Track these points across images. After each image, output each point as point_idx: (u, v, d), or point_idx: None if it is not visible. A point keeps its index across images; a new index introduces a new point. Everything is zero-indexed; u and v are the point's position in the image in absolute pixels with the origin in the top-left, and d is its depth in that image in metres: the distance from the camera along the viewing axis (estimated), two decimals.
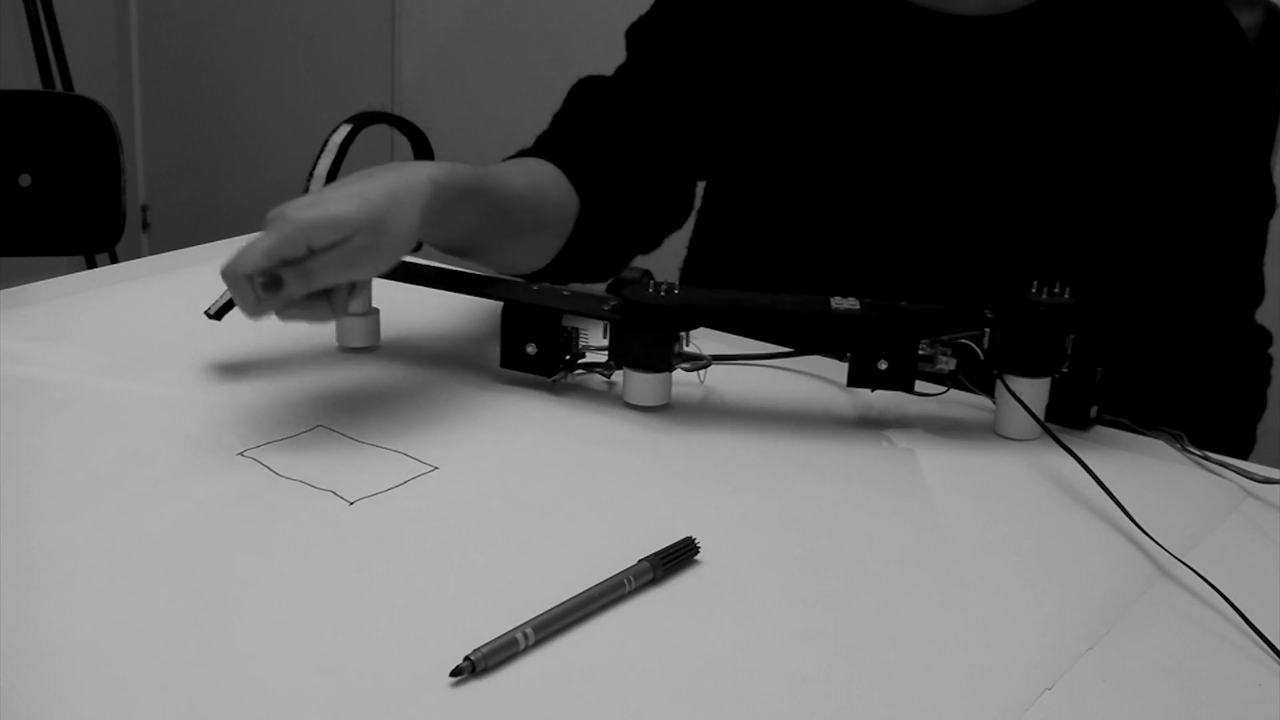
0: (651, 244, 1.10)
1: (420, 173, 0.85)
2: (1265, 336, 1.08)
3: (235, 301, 0.80)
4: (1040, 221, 1.04)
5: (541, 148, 1.06)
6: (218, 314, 0.89)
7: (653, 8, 1.13)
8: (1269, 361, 1.08)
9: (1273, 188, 1.08)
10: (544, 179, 1.00)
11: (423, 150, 0.96)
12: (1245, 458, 1.04)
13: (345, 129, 0.91)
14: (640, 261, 1.09)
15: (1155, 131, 1.03)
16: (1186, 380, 1.05)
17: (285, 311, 0.81)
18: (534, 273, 1.00)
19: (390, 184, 0.82)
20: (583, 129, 1.06)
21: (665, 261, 1.14)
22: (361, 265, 0.81)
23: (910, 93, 1.05)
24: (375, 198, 0.81)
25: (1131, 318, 1.01)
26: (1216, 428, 1.03)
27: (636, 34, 1.12)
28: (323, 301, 0.82)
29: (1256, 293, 1.08)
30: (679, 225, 1.12)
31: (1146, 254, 1.05)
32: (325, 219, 0.79)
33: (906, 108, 1.05)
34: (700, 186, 1.18)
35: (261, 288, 0.77)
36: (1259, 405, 1.07)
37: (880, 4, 1.06)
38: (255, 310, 0.80)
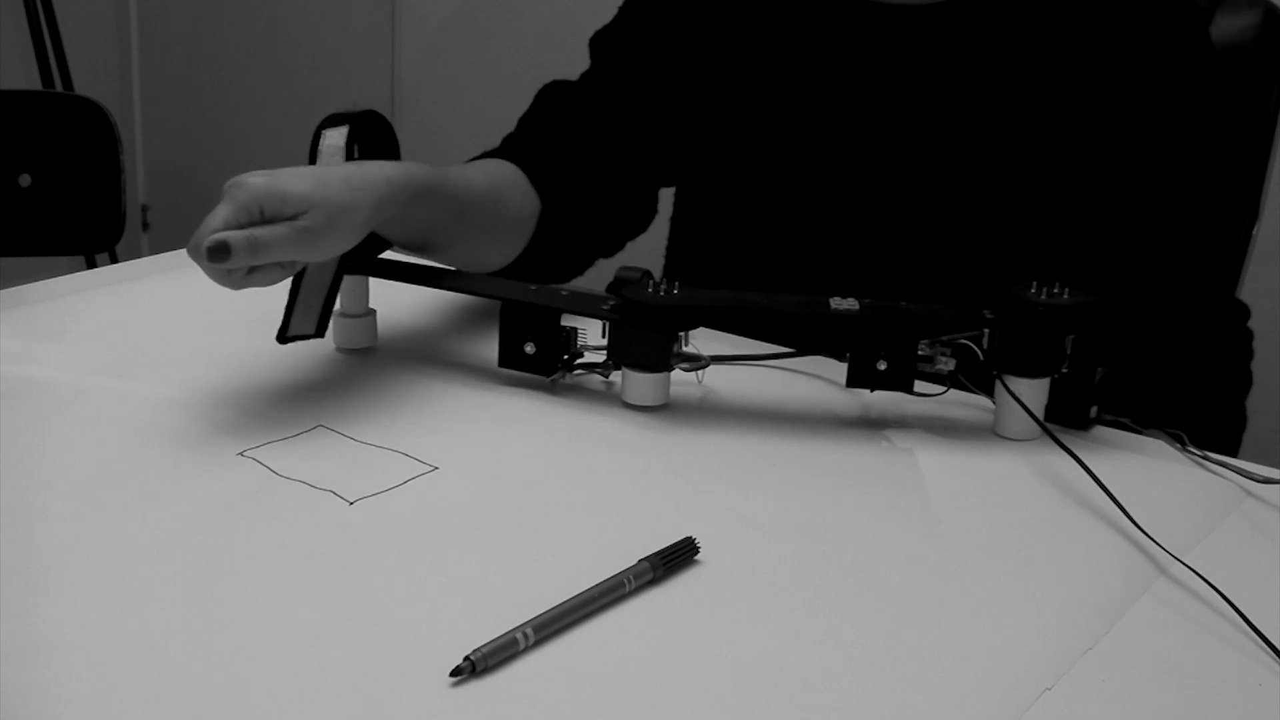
0: (613, 248, 1.12)
1: (378, 170, 0.87)
2: (1244, 311, 1.09)
3: (204, 272, 0.80)
4: (1016, 209, 1.04)
5: (505, 149, 1.08)
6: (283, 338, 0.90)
7: (616, 18, 1.15)
8: (1250, 335, 1.09)
9: (1242, 160, 1.09)
10: (504, 179, 1.02)
11: (387, 143, 0.95)
12: (1239, 435, 1.05)
13: (337, 133, 0.90)
14: (605, 268, 1.10)
15: (1116, 111, 1.03)
16: (1173, 361, 1.05)
17: (240, 281, 0.81)
18: (496, 272, 1.02)
19: (347, 174, 0.85)
20: (546, 132, 1.08)
21: (644, 266, 1.14)
22: (308, 245, 0.81)
23: (876, 88, 1.06)
24: (331, 182, 0.83)
25: (1118, 305, 1.02)
26: (1208, 407, 1.03)
27: (600, 42, 1.14)
28: (274, 266, 0.82)
29: (1232, 268, 1.09)
30: (642, 230, 1.14)
31: (1121, 236, 1.05)
32: (279, 190, 0.80)
33: (871, 104, 1.06)
34: (672, 191, 1.20)
35: (206, 254, 0.77)
36: (1245, 381, 1.07)
37: (839, 2, 1.06)
38: (224, 281, 0.80)
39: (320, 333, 0.91)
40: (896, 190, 1.06)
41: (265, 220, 0.80)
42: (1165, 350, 1.05)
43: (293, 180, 0.81)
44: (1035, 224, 1.05)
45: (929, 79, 1.05)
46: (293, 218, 0.80)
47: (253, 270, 0.81)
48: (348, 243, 0.84)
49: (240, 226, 0.79)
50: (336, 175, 0.84)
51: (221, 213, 0.79)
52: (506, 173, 1.03)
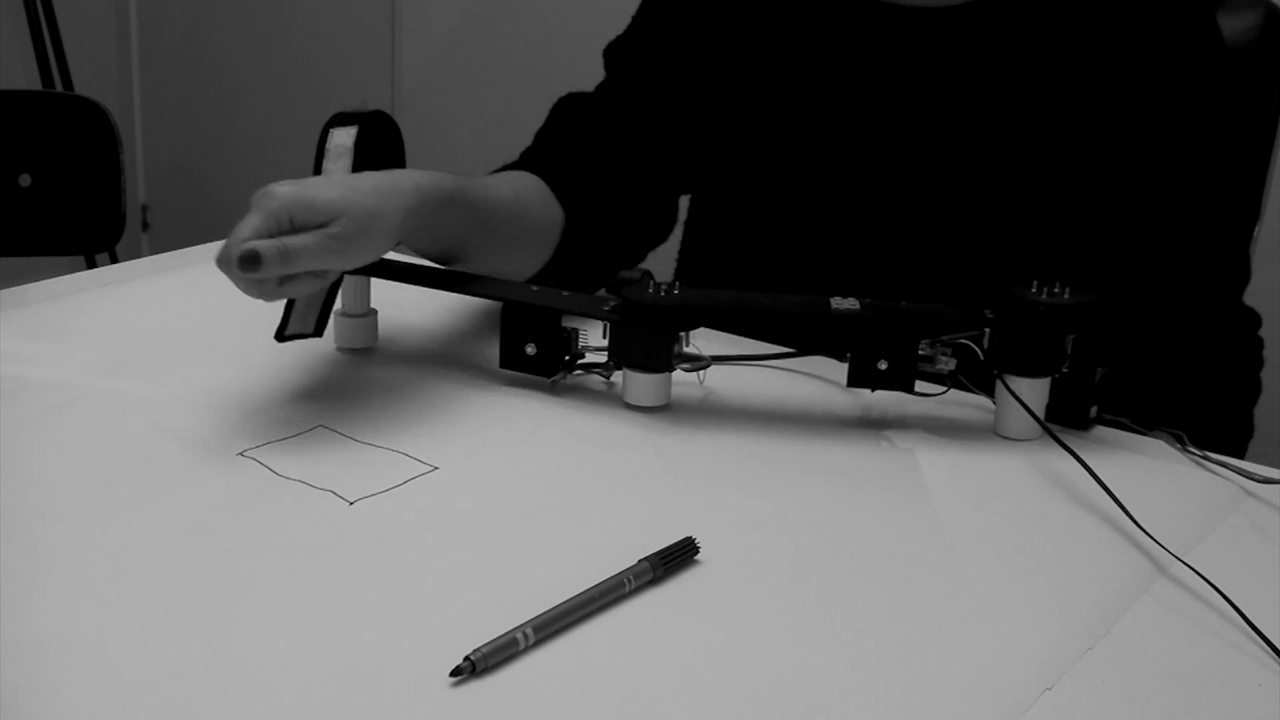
0: (636, 258, 1.12)
1: (407, 177, 0.86)
2: (1254, 319, 1.09)
3: (234, 283, 0.79)
4: (1026, 213, 1.04)
5: (526, 162, 1.08)
6: (280, 336, 0.89)
7: (630, 27, 1.15)
8: (1260, 344, 1.08)
9: (1255, 165, 1.09)
10: (528, 191, 1.02)
11: (394, 145, 0.95)
12: (1245, 443, 1.05)
13: (345, 132, 0.90)
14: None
15: (1129, 116, 1.03)
16: (1181, 367, 1.05)
17: (273, 291, 0.80)
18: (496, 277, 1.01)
19: (377, 183, 0.84)
20: (566, 145, 1.08)
21: (656, 271, 1.14)
22: (339, 254, 0.81)
23: (888, 92, 1.06)
24: (363, 190, 0.82)
25: (1124, 308, 1.02)
26: (1214, 414, 1.03)
27: (615, 53, 1.14)
28: (306, 275, 0.81)
29: (1243, 275, 1.09)
30: (663, 239, 1.14)
31: (1132, 241, 1.05)
32: (310, 199, 0.80)
33: (885, 107, 1.06)
34: (685, 198, 1.19)
35: (238, 263, 0.77)
36: (1254, 389, 1.07)
37: (851, 6, 1.06)
38: (256, 291, 0.80)
39: (319, 332, 0.91)
40: (904, 191, 1.06)
41: (295, 229, 0.79)
42: (1171, 353, 1.05)
43: (322, 188, 0.81)
44: (1041, 225, 1.05)
45: (938, 82, 1.05)
46: (322, 225, 0.80)
47: (284, 280, 0.80)
48: (379, 250, 0.84)
49: (270, 235, 0.78)
50: (366, 183, 0.83)
51: (251, 222, 0.78)
52: (530, 184, 1.03)
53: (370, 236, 0.82)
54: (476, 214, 0.93)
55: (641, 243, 1.12)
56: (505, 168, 1.07)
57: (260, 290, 0.79)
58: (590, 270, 1.07)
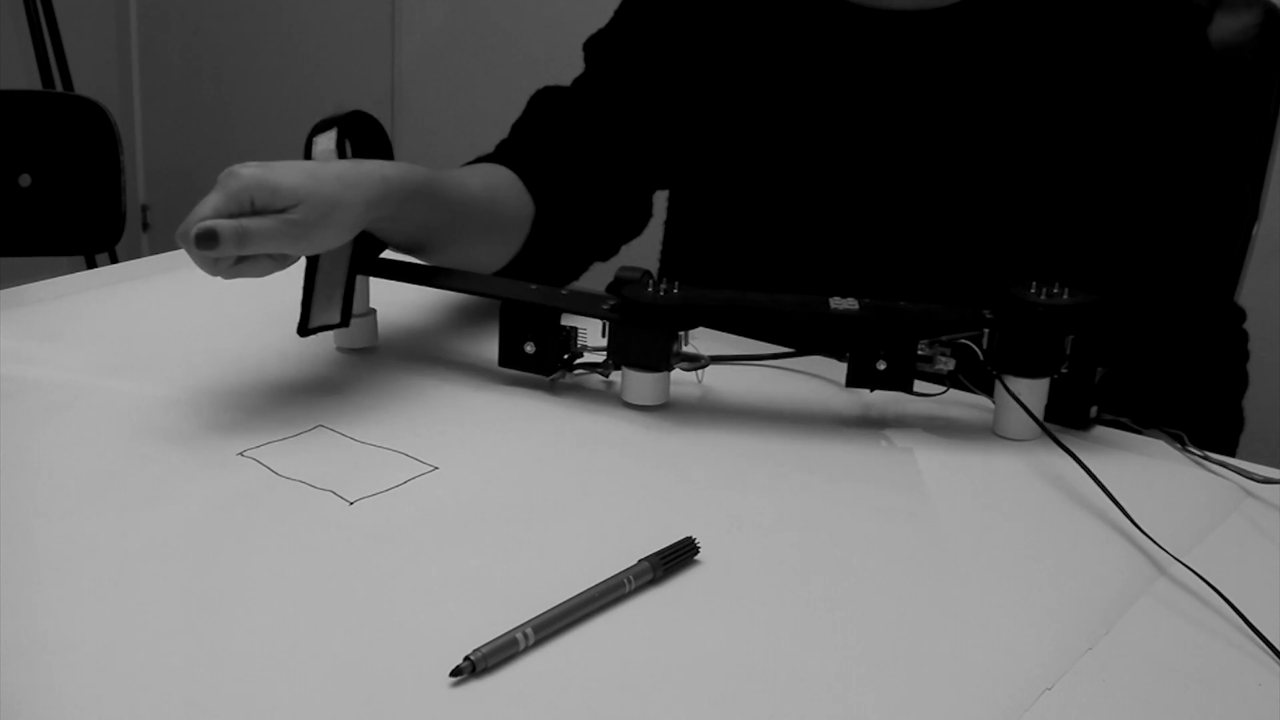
0: (608, 252, 1.13)
1: (374, 168, 0.87)
2: (1239, 313, 1.09)
3: (190, 258, 0.80)
4: (1015, 212, 1.04)
5: (500, 154, 1.09)
6: (303, 330, 0.88)
7: (611, 22, 1.15)
8: (1245, 337, 1.09)
9: (1242, 161, 1.09)
10: (498, 183, 1.03)
11: (377, 142, 0.95)
12: (1236, 436, 1.05)
13: (327, 137, 0.90)
14: (604, 268, 1.10)
15: (1115, 115, 1.03)
16: (1172, 363, 1.05)
17: (229, 270, 0.81)
18: (491, 275, 1.02)
19: (342, 172, 0.85)
20: (539, 137, 1.09)
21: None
22: (296, 240, 0.81)
23: (872, 94, 1.06)
24: (325, 178, 0.83)
25: (1118, 307, 1.02)
26: (1206, 409, 1.04)
27: (594, 46, 1.15)
28: (264, 258, 0.82)
29: (1232, 272, 1.09)
30: (636, 234, 1.15)
31: (1120, 239, 1.05)
32: (271, 182, 0.80)
33: (868, 107, 1.06)
34: (666, 194, 1.20)
35: (195, 241, 0.78)
36: (1242, 382, 1.08)
37: (832, 7, 1.06)
38: (211, 269, 0.80)
39: (345, 321, 0.90)
40: (894, 193, 1.06)
41: (256, 211, 0.80)
42: (1163, 351, 1.05)
43: (286, 173, 0.82)
44: (1035, 225, 1.05)
45: (926, 82, 1.05)
46: (284, 210, 0.80)
47: (240, 260, 0.81)
48: (338, 239, 0.84)
49: (231, 216, 0.79)
50: (331, 171, 0.84)
51: (212, 200, 0.79)
52: (501, 176, 1.04)
53: (330, 224, 0.83)
54: (445, 206, 0.94)
55: (613, 237, 1.13)
56: (480, 159, 1.08)
57: (216, 268, 0.80)
58: (559, 263, 1.07)
